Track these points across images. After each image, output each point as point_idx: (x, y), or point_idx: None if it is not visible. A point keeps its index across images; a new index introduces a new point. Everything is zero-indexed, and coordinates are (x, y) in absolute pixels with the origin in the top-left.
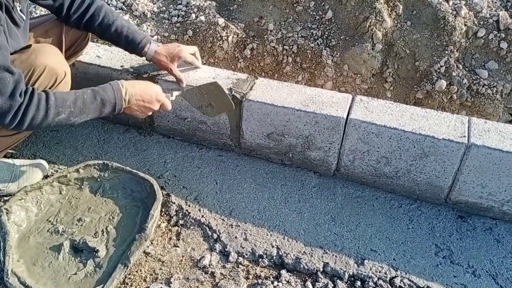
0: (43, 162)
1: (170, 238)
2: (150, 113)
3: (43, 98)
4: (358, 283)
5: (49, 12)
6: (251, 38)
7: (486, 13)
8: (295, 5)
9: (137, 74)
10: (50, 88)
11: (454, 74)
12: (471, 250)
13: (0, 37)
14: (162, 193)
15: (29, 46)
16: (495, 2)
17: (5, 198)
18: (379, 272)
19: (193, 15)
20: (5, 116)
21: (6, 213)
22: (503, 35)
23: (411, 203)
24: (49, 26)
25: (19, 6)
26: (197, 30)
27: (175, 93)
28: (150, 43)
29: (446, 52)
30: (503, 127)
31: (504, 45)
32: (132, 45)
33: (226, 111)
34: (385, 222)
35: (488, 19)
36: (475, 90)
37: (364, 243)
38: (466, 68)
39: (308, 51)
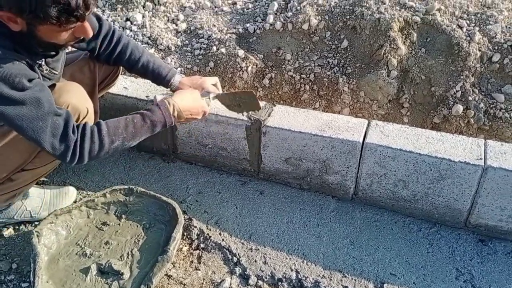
0: (72, 188)
1: (192, 262)
2: (193, 120)
3: (95, 130)
4: None
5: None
6: (270, 68)
7: (500, 38)
8: (311, 35)
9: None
10: None
11: (470, 98)
12: (493, 274)
13: (43, 88)
14: (184, 217)
15: (54, 85)
16: (509, 28)
17: (36, 223)
18: None
19: (214, 48)
20: (65, 155)
21: (37, 235)
22: None
23: (431, 226)
24: (83, 63)
25: (46, 68)
26: (218, 61)
27: (211, 95)
28: (175, 75)
29: (462, 77)
30: None
31: None
32: (158, 78)
33: (252, 111)
34: (404, 246)
35: (503, 44)
36: (492, 114)
37: (383, 266)
38: (482, 93)
39: (324, 79)
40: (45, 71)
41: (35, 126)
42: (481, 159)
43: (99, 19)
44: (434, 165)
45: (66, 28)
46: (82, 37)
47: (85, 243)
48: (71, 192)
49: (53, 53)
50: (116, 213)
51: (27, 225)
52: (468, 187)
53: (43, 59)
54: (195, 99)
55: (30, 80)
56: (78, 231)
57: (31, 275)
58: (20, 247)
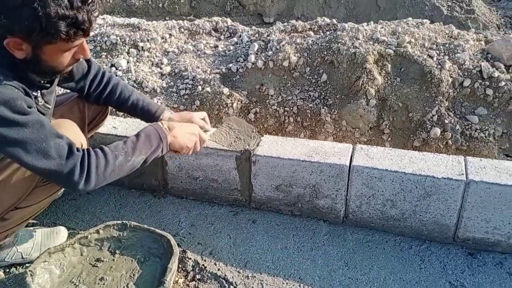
0: (63, 228)
1: None
2: (192, 145)
3: (97, 149)
4: None
5: (69, 92)
6: (254, 103)
7: (469, 65)
8: (292, 71)
9: None
10: None
11: (446, 121)
12: (485, 284)
13: (38, 115)
14: (179, 250)
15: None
16: (476, 55)
17: (27, 265)
18: None
19: (200, 87)
20: (73, 173)
21: (31, 275)
22: (487, 83)
23: (421, 244)
24: (73, 104)
25: (41, 101)
26: (204, 99)
27: (209, 133)
28: (164, 111)
29: (436, 102)
30: (498, 163)
31: (489, 91)
32: (148, 115)
33: (252, 136)
34: (397, 263)
35: (472, 70)
36: (468, 135)
37: (379, 285)
38: (457, 116)
39: (307, 111)
40: (40, 103)
41: (39, 148)
42: (462, 174)
43: (87, 60)
44: (419, 182)
45: (72, 46)
46: (80, 59)
47: (79, 280)
48: (62, 232)
49: (48, 85)
50: (110, 249)
51: (18, 267)
52: (453, 202)
53: (39, 91)
54: (185, 121)
55: (29, 107)
56: (72, 269)
57: None
58: None
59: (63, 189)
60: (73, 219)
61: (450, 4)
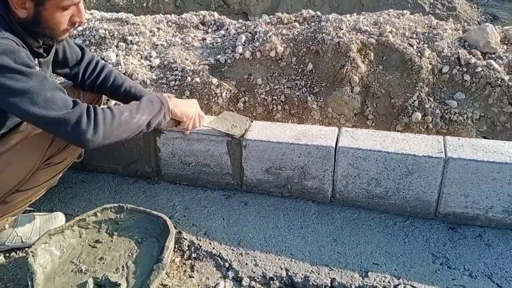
0: (61, 214)
1: (185, 271)
2: (192, 115)
3: (102, 106)
4: None
5: (65, 80)
6: (243, 93)
7: (447, 52)
8: (279, 61)
9: None
10: (66, 146)
11: (427, 106)
12: (465, 255)
13: (40, 70)
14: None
15: None
16: (454, 43)
17: (27, 249)
18: (383, 281)
19: (189, 78)
20: (80, 121)
21: (32, 255)
22: (465, 69)
23: (405, 220)
24: (68, 91)
25: (39, 69)
26: (194, 90)
27: (206, 122)
28: None
29: (417, 88)
30: (475, 141)
31: (467, 77)
32: None
33: (248, 124)
34: (383, 238)
35: (450, 57)
36: (448, 119)
37: (366, 258)
38: (437, 100)
39: (294, 99)
40: None
41: (45, 98)
42: (442, 152)
43: (81, 48)
44: (402, 161)
45: (72, 2)
46: (77, 23)
47: (79, 260)
48: (60, 217)
49: (45, 54)
50: (108, 231)
51: (18, 251)
52: (433, 178)
53: (36, 59)
54: (186, 100)
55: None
56: (72, 250)
57: None
58: (13, 272)
59: (60, 174)
60: (70, 206)
61: (432, 1)
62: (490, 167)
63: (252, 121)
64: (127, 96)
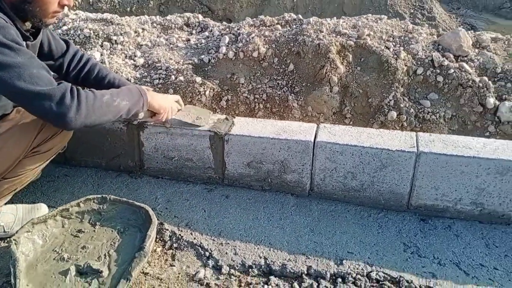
0: (44, 205)
1: (166, 260)
2: (168, 107)
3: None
4: (340, 280)
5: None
6: (226, 91)
7: (422, 55)
8: (261, 62)
9: (127, 123)
10: (53, 135)
11: (402, 105)
12: (435, 245)
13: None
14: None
15: None
16: (428, 46)
17: (9, 239)
18: (357, 269)
19: (173, 77)
20: (64, 97)
21: (15, 243)
22: (438, 71)
23: (379, 212)
24: None
25: None
26: (177, 88)
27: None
28: None
29: (393, 88)
30: (445, 137)
31: (440, 78)
32: None
33: (210, 115)
34: (358, 229)
35: (424, 59)
36: (421, 117)
37: (341, 247)
38: (412, 100)
39: (276, 98)
40: None
41: (32, 73)
42: (414, 147)
43: (66, 41)
44: (376, 155)
45: None
46: (65, 6)
47: (62, 249)
48: (43, 208)
49: (32, 38)
50: (91, 221)
51: (0, 241)
52: (406, 172)
53: (24, 42)
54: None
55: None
56: (54, 239)
57: (12, 278)
58: None
59: (46, 163)
60: (52, 199)
61: (412, 11)
62: (459, 161)
63: (234, 117)
64: (110, 88)
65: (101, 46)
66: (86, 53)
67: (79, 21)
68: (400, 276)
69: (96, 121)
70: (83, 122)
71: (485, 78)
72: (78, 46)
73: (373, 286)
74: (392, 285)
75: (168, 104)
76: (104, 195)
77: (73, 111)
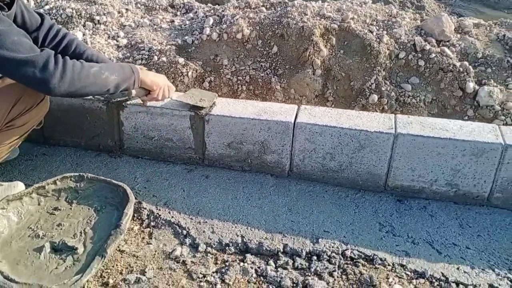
0: (21, 183)
1: (143, 238)
2: (162, 84)
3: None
4: (315, 257)
5: None
6: (209, 73)
7: (404, 39)
8: (245, 44)
9: (107, 102)
10: (29, 109)
11: (383, 89)
12: (410, 224)
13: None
14: (134, 201)
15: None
16: (411, 31)
17: None
18: (332, 247)
19: (156, 57)
20: (48, 63)
21: None
22: (420, 55)
23: (356, 192)
24: None
25: None
26: (160, 68)
27: (175, 95)
28: None
29: (375, 72)
30: (423, 119)
31: (421, 63)
32: None
33: (215, 98)
34: (335, 209)
35: (407, 44)
36: (402, 101)
37: (317, 226)
38: (393, 84)
39: (259, 80)
40: None
41: (13, 41)
42: (392, 128)
43: (41, 15)
44: (355, 136)
45: None
46: None
47: (37, 226)
48: (20, 186)
49: (6, 8)
50: (67, 199)
51: None
52: (383, 153)
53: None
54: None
55: None
56: (30, 216)
57: None
58: None
59: (18, 140)
60: (30, 177)
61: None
62: (436, 142)
63: (216, 96)
64: None
65: (84, 26)
66: (63, 28)
67: (62, 0)
68: (374, 254)
69: (81, 91)
70: (67, 89)
71: (466, 63)
72: (54, 21)
73: (347, 263)
74: (365, 263)
75: (162, 81)
76: (81, 173)
77: (57, 78)
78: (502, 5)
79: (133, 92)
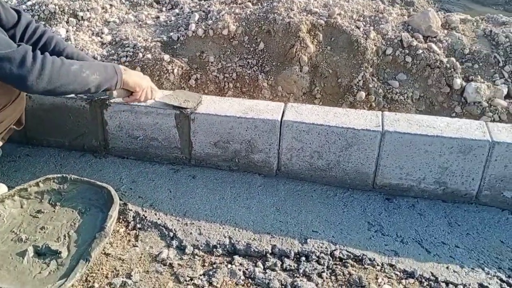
0: (3, 185)
1: (129, 240)
2: (145, 86)
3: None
4: (303, 258)
5: None
6: (195, 70)
7: (391, 35)
8: (231, 40)
9: (90, 100)
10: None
11: (371, 86)
12: (399, 223)
13: None
14: (120, 203)
15: None
16: (398, 26)
17: None
18: (321, 247)
19: (140, 54)
20: (25, 60)
21: None
22: (407, 51)
23: (345, 191)
24: None
25: None
26: (145, 66)
27: (158, 96)
28: None
29: (362, 68)
30: (410, 116)
31: (409, 59)
32: None
33: (199, 100)
34: (323, 208)
35: (394, 40)
36: (390, 98)
37: (306, 226)
38: (380, 81)
39: (246, 77)
40: None
41: None
42: (379, 126)
43: (18, 11)
44: (342, 134)
45: None
46: None
47: (20, 230)
48: (2, 189)
49: None
50: (50, 201)
51: None
52: (371, 151)
53: None
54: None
55: None
56: (12, 220)
57: None
58: None
59: (1, 143)
60: (13, 179)
61: None
62: (423, 140)
63: (201, 96)
64: None
65: (67, 22)
66: (41, 25)
67: None
68: (363, 254)
69: (60, 89)
70: (45, 87)
71: (453, 59)
72: (32, 17)
73: (336, 264)
74: (354, 263)
75: (144, 83)
76: (64, 175)
77: (35, 75)
78: (491, 1)
79: (115, 93)
